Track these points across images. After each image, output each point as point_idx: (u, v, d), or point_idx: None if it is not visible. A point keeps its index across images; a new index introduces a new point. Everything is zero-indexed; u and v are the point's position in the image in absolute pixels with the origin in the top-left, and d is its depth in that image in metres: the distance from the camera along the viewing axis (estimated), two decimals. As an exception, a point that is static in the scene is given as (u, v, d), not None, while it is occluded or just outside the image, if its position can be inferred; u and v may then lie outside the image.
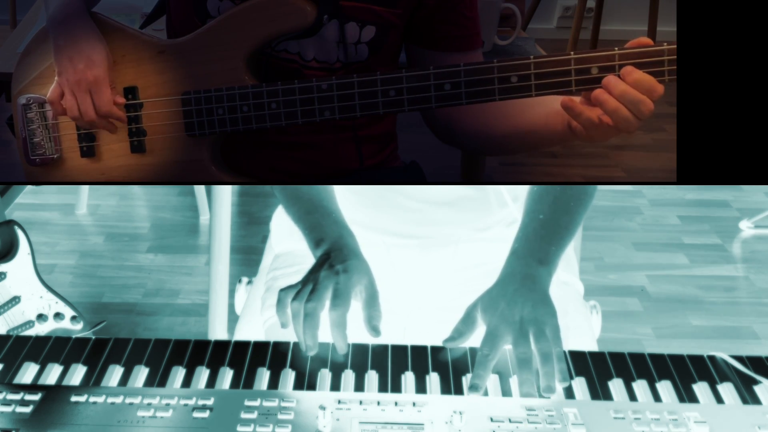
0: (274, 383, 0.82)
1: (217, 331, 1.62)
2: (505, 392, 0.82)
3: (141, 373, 0.83)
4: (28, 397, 0.76)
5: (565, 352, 0.87)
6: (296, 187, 1.08)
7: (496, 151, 1.11)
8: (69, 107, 0.98)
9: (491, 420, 0.74)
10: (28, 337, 0.89)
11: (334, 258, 0.95)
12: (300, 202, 1.06)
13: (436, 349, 0.88)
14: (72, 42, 0.97)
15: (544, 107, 0.94)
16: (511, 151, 1.07)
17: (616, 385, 0.82)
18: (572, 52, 0.82)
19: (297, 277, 1.11)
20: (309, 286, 0.92)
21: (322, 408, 0.73)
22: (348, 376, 0.83)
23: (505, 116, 0.99)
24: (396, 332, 1.04)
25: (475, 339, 0.89)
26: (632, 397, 0.81)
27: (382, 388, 0.82)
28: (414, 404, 0.76)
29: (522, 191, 1.11)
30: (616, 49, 0.82)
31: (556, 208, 1.03)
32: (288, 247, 1.19)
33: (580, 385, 0.82)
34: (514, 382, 0.83)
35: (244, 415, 0.74)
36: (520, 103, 0.93)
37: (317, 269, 0.94)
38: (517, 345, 0.85)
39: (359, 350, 0.87)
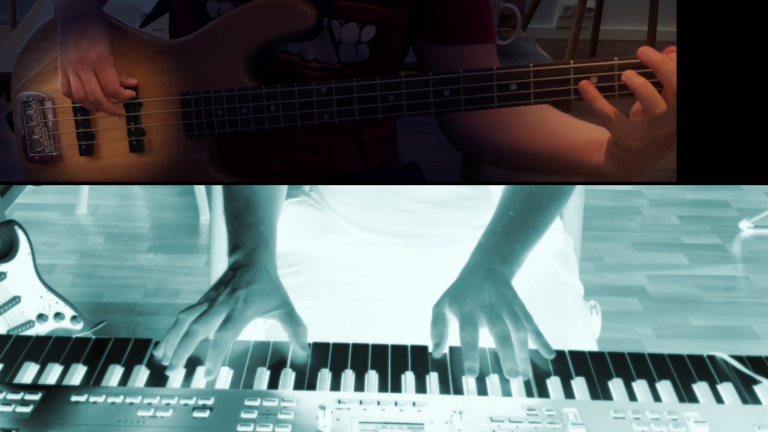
0: (274, 383, 0.82)
1: (217, 331, 1.62)
2: (505, 392, 0.82)
3: (141, 373, 0.83)
4: (28, 397, 0.76)
5: (564, 352, 0.87)
6: (239, 187, 1.05)
7: (518, 167, 1.04)
8: (75, 89, 0.97)
9: (491, 420, 0.74)
10: (28, 337, 0.89)
11: (239, 278, 0.91)
12: (234, 204, 1.03)
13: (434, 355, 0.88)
14: (76, 23, 0.97)
15: (585, 133, 0.92)
16: (537, 168, 1.01)
17: (616, 385, 0.82)
18: (572, 61, 0.82)
19: (297, 276, 1.11)
20: (203, 306, 0.89)
21: (322, 408, 0.73)
22: (348, 376, 0.83)
23: (542, 133, 0.96)
24: (396, 332, 1.04)
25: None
26: (632, 397, 0.81)
27: (382, 388, 0.82)
28: (414, 404, 0.76)
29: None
30: (616, 58, 0.82)
31: (528, 206, 1.03)
32: (288, 247, 1.19)
33: (580, 385, 0.82)
34: (513, 382, 0.83)
35: (244, 415, 0.74)
36: (561, 123, 0.94)
37: (220, 287, 0.91)
38: (494, 325, 0.87)
39: (359, 350, 0.87)
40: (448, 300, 0.92)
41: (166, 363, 0.83)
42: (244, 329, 0.89)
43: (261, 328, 1.08)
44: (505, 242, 0.98)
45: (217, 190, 1.54)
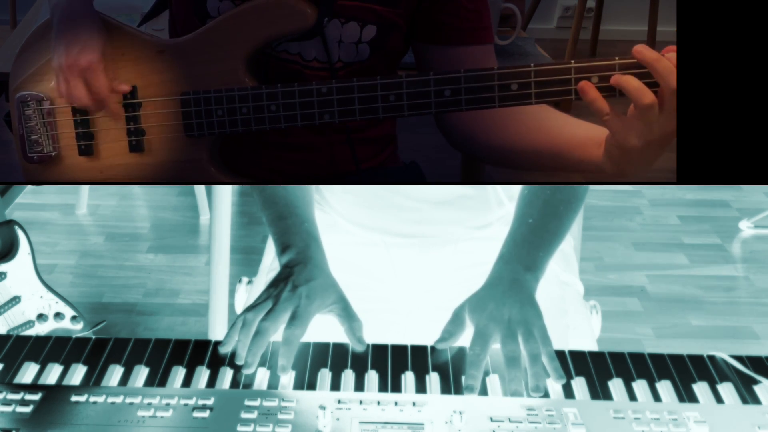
0: (274, 383, 0.82)
1: (217, 331, 1.62)
2: (505, 392, 0.82)
3: (141, 373, 0.83)
4: (28, 397, 0.76)
5: (564, 352, 0.87)
6: (275, 189, 1.07)
7: (517, 165, 1.04)
8: (63, 93, 0.98)
9: (491, 420, 0.74)
10: (29, 337, 0.89)
11: (297, 275, 0.94)
12: (275, 206, 1.05)
13: (435, 349, 0.88)
14: (71, 27, 0.97)
15: (584, 130, 0.93)
16: (536, 167, 1.01)
17: (615, 385, 0.82)
18: (572, 61, 0.82)
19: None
20: (268, 304, 0.91)
21: (322, 408, 0.73)
22: (348, 376, 0.83)
23: (541, 131, 0.96)
24: (396, 332, 1.04)
25: (466, 339, 0.89)
26: (632, 396, 0.81)
27: (382, 387, 0.82)
28: (414, 404, 0.76)
29: (518, 190, 1.11)
30: (617, 58, 0.82)
31: (546, 213, 1.03)
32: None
33: (580, 385, 0.82)
34: (513, 382, 0.83)
35: (244, 415, 0.74)
36: (559, 121, 0.94)
37: (279, 284, 0.94)
38: (505, 344, 0.86)
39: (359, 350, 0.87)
40: (469, 306, 0.92)
41: (240, 362, 0.85)
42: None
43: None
44: (528, 250, 0.98)
45: (225, 190, 1.55)
